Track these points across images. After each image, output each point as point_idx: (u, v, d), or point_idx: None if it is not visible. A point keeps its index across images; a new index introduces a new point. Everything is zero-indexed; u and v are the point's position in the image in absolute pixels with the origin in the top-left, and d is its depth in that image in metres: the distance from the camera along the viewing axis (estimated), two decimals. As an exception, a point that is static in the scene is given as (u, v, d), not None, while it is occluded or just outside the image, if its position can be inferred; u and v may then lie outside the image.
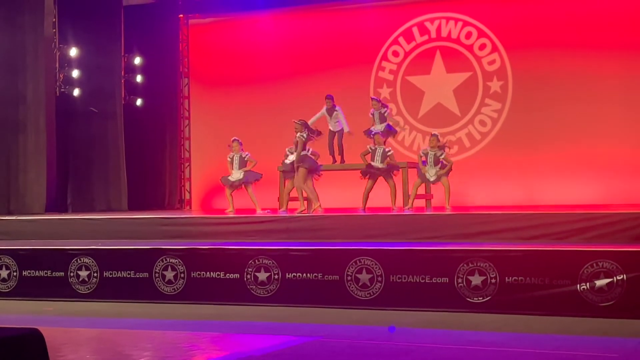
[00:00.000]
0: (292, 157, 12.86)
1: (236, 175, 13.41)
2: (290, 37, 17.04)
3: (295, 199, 13.15)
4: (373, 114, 13.65)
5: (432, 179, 12.44)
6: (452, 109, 15.73)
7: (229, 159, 13.54)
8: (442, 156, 12.47)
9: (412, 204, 12.54)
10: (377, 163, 12.59)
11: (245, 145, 13.68)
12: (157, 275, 10.24)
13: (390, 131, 13.66)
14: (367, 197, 12.68)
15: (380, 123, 13.54)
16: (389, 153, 12.68)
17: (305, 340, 7.42)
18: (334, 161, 13.84)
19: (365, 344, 7.37)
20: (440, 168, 12.41)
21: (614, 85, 14.53)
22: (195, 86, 17.98)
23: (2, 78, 14.42)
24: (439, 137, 12.77)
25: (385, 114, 13.65)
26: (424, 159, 12.59)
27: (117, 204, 16.44)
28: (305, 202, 12.92)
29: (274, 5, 16.86)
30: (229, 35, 17.54)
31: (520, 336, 7.64)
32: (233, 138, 13.68)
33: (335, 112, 13.82)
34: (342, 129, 13.84)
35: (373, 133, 13.18)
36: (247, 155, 13.46)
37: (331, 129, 13.93)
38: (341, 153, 13.86)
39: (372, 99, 13.97)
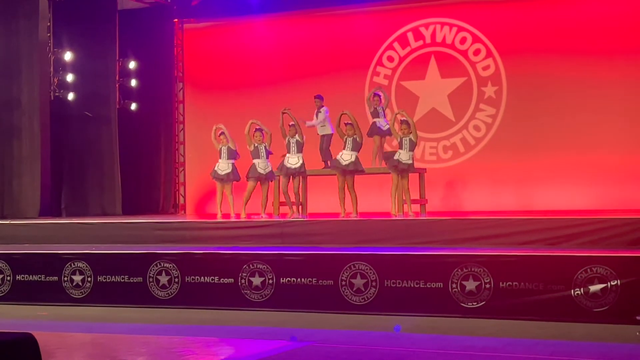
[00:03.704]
0: (293, 161, 12.47)
1: (223, 166, 12.93)
2: (285, 42, 17.05)
3: (284, 203, 13.15)
4: (375, 110, 13.66)
5: (408, 162, 12.02)
6: (446, 114, 15.75)
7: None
8: (415, 138, 12.11)
9: (403, 210, 12.33)
10: (347, 151, 12.02)
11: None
12: (151, 279, 10.22)
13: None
14: (343, 197, 12.24)
15: (384, 118, 13.70)
16: (359, 140, 12.08)
17: (299, 345, 7.41)
18: (326, 166, 13.76)
19: (360, 349, 7.37)
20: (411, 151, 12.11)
21: (608, 91, 14.56)
22: (190, 91, 17.98)
23: (-4, 82, 14.45)
24: (408, 120, 12.24)
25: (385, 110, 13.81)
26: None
27: (111, 209, 16.42)
28: (295, 207, 12.87)
29: (268, 10, 16.87)
30: (224, 40, 17.55)
31: (515, 341, 7.64)
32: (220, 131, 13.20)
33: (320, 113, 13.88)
34: (330, 134, 13.83)
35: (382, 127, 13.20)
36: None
37: (320, 133, 13.93)
38: (329, 157, 13.79)
39: (376, 94, 13.89)
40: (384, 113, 13.84)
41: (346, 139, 12.13)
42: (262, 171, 12.62)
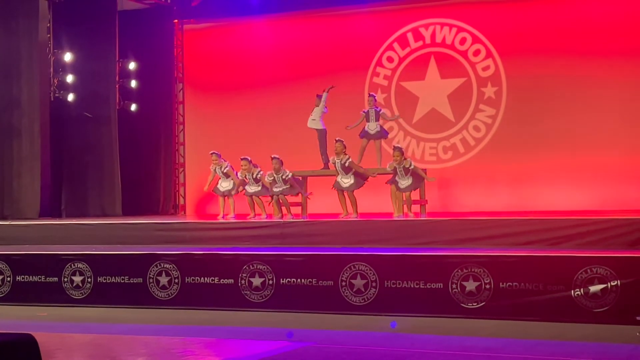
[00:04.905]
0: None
1: (225, 184, 13.23)
2: (285, 43, 17.04)
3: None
4: (367, 112, 13.57)
5: (406, 185, 11.96)
6: (446, 115, 15.74)
7: (213, 171, 13.34)
8: (412, 167, 11.94)
9: (402, 210, 12.30)
10: (340, 178, 12.08)
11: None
12: (151, 280, 10.22)
13: (384, 133, 13.67)
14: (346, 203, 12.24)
15: (375, 121, 13.52)
16: (347, 164, 11.97)
17: (299, 345, 7.41)
18: (326, 167, 13.65)
19: (360, 349, 7.37)
20: (414, 178, 11.97)
21: (608, 92, 14.55)
22: (190, 91, 17.97)
23: (-4, 83, 14.44)
24: (402, 149, 12.12)
25: (381, 113, 13.66)
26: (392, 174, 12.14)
27: (111, 209, 16.41)
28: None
29: (268, 11, 16.86)
30: (224, 40, 17.54)
31: (515, 342, 7.65)
32: (211, 152, 13.50)
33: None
34: (321, 129, 13.70)
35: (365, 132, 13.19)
36: (227, 166, 13.25)
37: (310, 126, 13.79)
38: (328, 159, 13.66)
39: (370, 95, 13.79)
40: (377, 116, 13.63)
41: (334, 159, 12.14)
42: (252, 191, 12.78)
